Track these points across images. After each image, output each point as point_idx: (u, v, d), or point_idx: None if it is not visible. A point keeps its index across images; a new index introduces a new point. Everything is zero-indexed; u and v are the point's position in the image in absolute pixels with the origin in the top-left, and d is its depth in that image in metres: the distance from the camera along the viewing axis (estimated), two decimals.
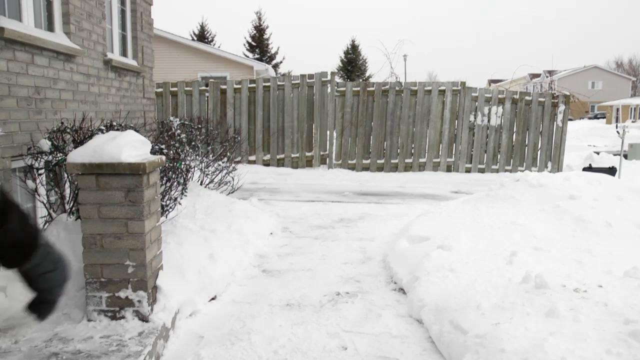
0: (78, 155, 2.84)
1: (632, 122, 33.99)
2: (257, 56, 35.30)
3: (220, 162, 6.58)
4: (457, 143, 11.17)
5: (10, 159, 3.73)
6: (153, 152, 3.61)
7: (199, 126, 6.51)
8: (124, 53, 6.27)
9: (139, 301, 2.93)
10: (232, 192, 6.77)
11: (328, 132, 11.12)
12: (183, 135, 5.52)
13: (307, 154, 11.12)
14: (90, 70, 5.07)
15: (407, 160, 11.13)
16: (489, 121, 11.09)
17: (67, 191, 3.91)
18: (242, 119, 10.95)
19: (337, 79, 12.03)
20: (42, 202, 3.84)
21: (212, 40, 36.38)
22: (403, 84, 11.13)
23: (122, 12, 6.23)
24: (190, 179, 5.25)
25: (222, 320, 3.31)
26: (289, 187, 8.79)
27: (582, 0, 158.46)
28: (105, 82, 5.47)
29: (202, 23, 37.20)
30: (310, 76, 10.99)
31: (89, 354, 2.58)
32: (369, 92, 10.95)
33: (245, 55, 31.76)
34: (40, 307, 1.44)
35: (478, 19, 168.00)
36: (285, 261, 4.65)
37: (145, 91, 6.75)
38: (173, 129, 5.77)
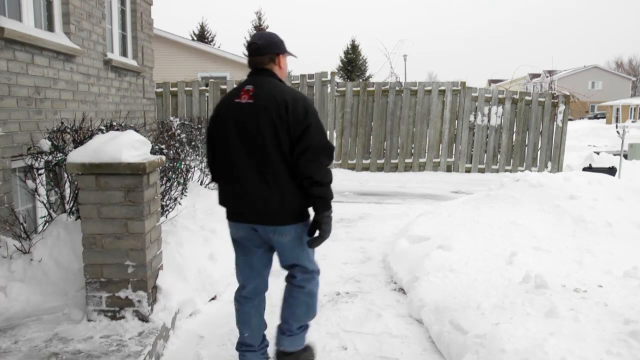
0: (78, 155, 2.84)
1: (632, 122, 33.96)
2: None
3: None
4: (457, 143, 11.17)
5: (10, 159, 3.73)
6: (153, 152, 3.61)
7: (199, 126, 6.51)
8: (124, 53, 6.27)
9: (139, 301, 2.93)
10: None
11: (328, 132, 11.11)
12: (183, 135, 5.52)
13: None
14: (90, 70, 5.07)
15: (407, 160, 11.12)
16: (489, 121, 11.09)
17: (67, 191, 3.91)
18: None
19: (337, 79, 12.03)
20: (42, 202, 3.84)
21: (212, 40, 36.37)
22: (403, 84, 11.13)
23: (122, 12, 6.23)
24: (190, 179, 5.25)
25: (222, 320, 3.30)
26: None
27: (582, 0, 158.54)
28: (105, 82, 5.47)
29: (202, 23, 37.20)
30: (310, 76, 10.98)
31: (89, 354, 2.58)
32: (369, 92, 10.95)
33: (245, 55, 31.70)
34: (319, 240, 2.48)
35: (478, 18, 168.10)
36: None
37: (145, 91, 6.75)
38: (173, 129, 5.78)
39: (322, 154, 2.39)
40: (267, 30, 39.50)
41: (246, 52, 2.52)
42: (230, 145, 2.41)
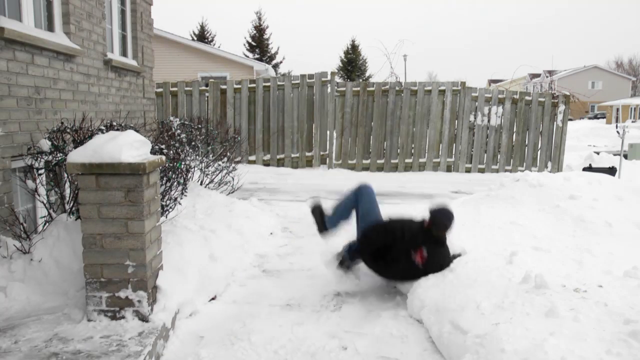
0: (78, 155, 2.84)
1: (632, 122, 33.94)
2: (257, 56, 35.31)
3: (220, 162, 6.58)
4: (457, 143, 11.17)
5: (10, 159, 3.73)
6: (153, 152, 3.61)
7: (199, 126, 6.51)
8: (124, 53, 6.27)
9: (139, 301, 2.93)
10: (232, 192, 6.77)
11: (328, 132, 11.11)
12: (183, 135, 5.52)
13: (307, 154, 11.12)
14: (90, 70, 5.07)
15: (407, 160, 11.13)
16: (489, 121, 11.09)
17: (67, 191, 3.91)
18: (242, 119, 10.95)
19: (337, 79, 12.03)
20: (42, 202, 3.84)
21: (212, 40, 36.38)
22: (403, 84, 11.13)
23: (122, 12, 6.24)
24: (190, 179, 5.25)
25: (222, 320, 3.31)
26: (289, 187, 8.79)
27: (583, 0, 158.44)
28: (105, 82, 5.47)
29: (202, 23, 37.21)
30: (310, 76, 10.99)
31: (89, 354, 2.58)
32: (369, 92, 10.95)
33: (245, 55, 31.76)
34: None
35: (478, 18, 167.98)
36: (285, 261, 4.65)
37: (145, 91, 6.76)
38: (173, 129, 5.77)
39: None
40: (267, 30, 39.43)
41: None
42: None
